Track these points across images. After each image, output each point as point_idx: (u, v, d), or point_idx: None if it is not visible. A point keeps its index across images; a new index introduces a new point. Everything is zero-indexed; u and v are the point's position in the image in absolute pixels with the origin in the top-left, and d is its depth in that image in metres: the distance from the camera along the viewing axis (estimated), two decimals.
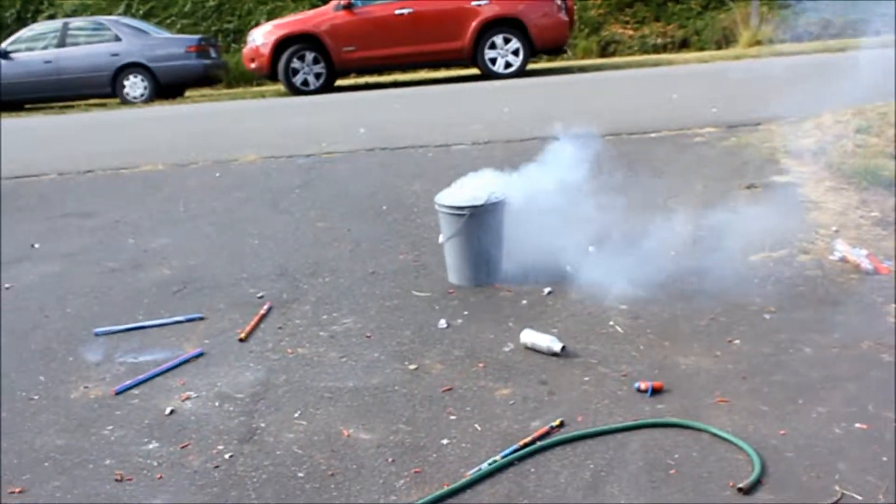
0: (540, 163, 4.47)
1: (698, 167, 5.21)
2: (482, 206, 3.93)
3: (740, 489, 2.31)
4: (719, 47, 18.62)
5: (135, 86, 16.28)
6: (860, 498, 2.26)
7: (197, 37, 17.54)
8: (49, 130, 11.86)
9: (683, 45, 20.02)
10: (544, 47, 14.77)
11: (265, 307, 3.95)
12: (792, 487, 2.32)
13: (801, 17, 19.25)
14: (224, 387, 3.19)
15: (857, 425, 2.62)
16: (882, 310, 3.44)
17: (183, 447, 2.77)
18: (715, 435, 2.61)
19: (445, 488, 2.41)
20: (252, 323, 3.77)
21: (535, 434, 2.67)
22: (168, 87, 16.49)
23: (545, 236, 4.25)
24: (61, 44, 16.68)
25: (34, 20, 21.12)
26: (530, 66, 15.26)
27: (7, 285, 4.60)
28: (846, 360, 3.06)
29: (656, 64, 15.00)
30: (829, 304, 3.54)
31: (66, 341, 3.76)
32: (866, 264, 3.85)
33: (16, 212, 6.18)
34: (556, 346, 3.24)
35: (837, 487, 2.31)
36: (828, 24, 19.14)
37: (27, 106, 17.38)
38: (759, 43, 17.54)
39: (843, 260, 3.96)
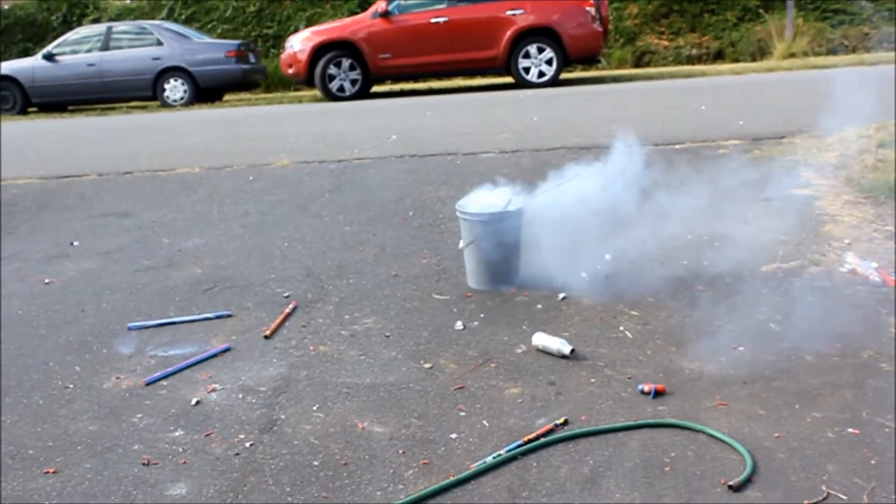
0: (562, 173, 4.58)
1: (718, 178, 5.29)
2: (500, 213, 4.07)
3: (730, 486, 2.43)
4: (754, 59, 18.63)
5: (175, 89, 16.57)
6: (845, 498, 2.37)
7: (236, 42, 17.80)
8: (91, 132, 12.13)
9: (718, 56, 20.03)
10: (578, 57, 14.87)
11: (290, 306, 4.11)
12: (781, 486, 2.44)
13: (837, 30, 19.23)
14: (248, 380, 3.35)
15: (850, 430, 2.72)
16: (885, 321, 3.53)
17: (207, 435, 2.93)
18: (711, 436, 2.73)
19: (451, 478, 2.55)
20: (277, 321, 3.93)
21: (540, 431, 2.81)
22: (207, 90, 16.77)
23: (562, 244, 4.38)
24: (105, 47, 17.00)
25: (79, 24, 21.53)
26: (564, 76, 15.37)
27: (47, 280, 4.80)
28: (845, 368, 3.16)
29: (689, 75, 15.05)
30: (835, 314, 3.63)
31: (101, 334, 3.95)
32: (874, 276, 3.94)
33: (58, 211, 6.39)
34: (566, 349, 3.37)
35: (824, 487, 2.42)
36: (864, 37, 19.08)
37: (70, 107, 17.73)
38: (793, 55, 17.53)
39: (853, 272, 4.06)
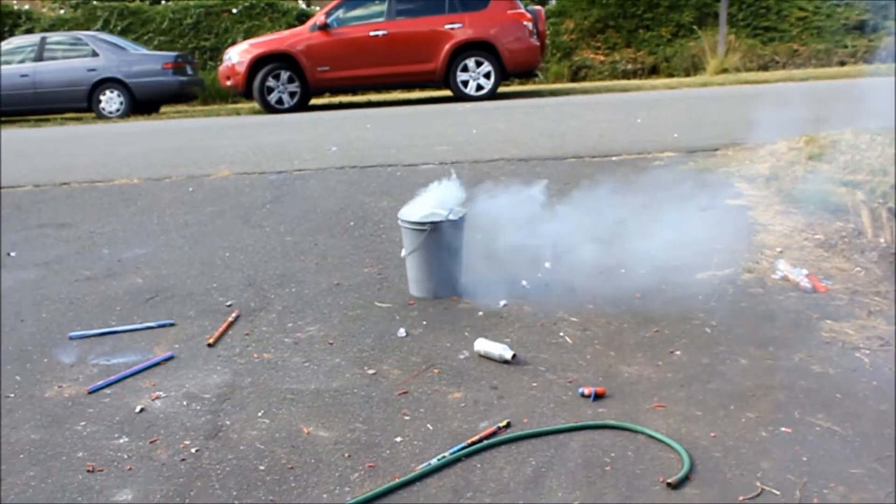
0: (502, 183, 4.66)
1: (654, 190, 5.41)
2: (442, 222, 4.12)
3: (669, 484, 2.50)
4: (688, 74, 18.97)
5: (111, 101, 16.42)
6: (778, 493, 2.45)
7: (174, 54, 17.70)
8: (25, 143, 11.95)
9: (653, 71, 20.40)
10: (516, 71, 15.03)
11: (233, 315, 4.12)
12: (717, 484, 2.51)
13: (767, 46, 19.66)
14: (192, 388, 3.36)
15: (783, 429, 2.81)
16: (816, 325, 3.65)
17: (152, 442, 2.93)
18: (649, 436, 2.80)
19: (396, 480, 2.59)
20: (220, 329, 3.93)
21: (483, 433, 2.85)
22: (144, 102, 16.65)
23: (503, 252, 4.45)
24: (39, 58, 16.81)
25: (12, 34, 21.20)
26: (502, 89, 15.51)
27: None
28: (778, 370, 3.25)
29: (625, 89, 15.29)
30: (768, 319, 3.75)
31: (42, 344, 3.91)
32: (805, 283, 4.06)
33: None
34: (508, 354, 3.43)
35: (758, 484, 2.50)
36: (794, 53, 19.54)
37: (3, 119, 17.45)
38: (725, 71, 17.89)
39: (784, 279, 4.18)
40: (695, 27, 20.57)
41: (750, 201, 5.50)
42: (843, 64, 19.31)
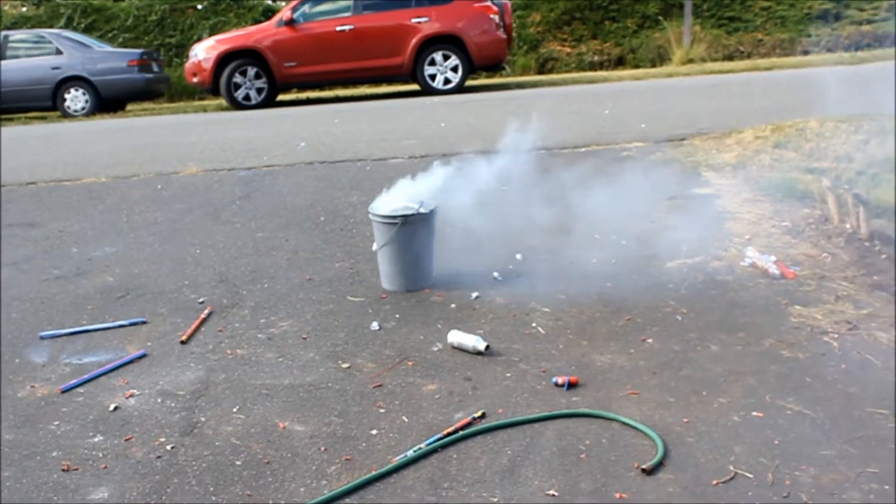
0: (471, 176, 4.67)
1: (623, 180, 5.45)
2: (413, 215, 4.12)
3: (644, 470, 2.53)
4: (654, 65, 19.07)
5: (76, 99, 16.28)
6: (751, 476, 2.48)
7: (139, 51, 17.54)
8: None
9: (619, 62, 20.48)
10: (483, 64, 15.04)
11: (206, 312, 4.11)
12: (691, 468, 2.54)
13: (732, 36, 19.80)
14: (166, 385, 3.35)
15: (754, 413, 2.85)
16: (785, 311, 3.69)
17: (126, 440, 2.92)
18: (623, 423, 2.83)
19: (373, 472, 2.60)
20: (193, 326, 3.92)
21: (458, 424, 2.87)
22: (109, 100, 16.51)
23: (474, 244, 4.47)
24: (1, 56, 16.60)
25: None
26: (469, 83, 15.53)
27: None
28: (749, 356, 3.29)
29: (592, 81, 15.35)
30: (737, 306, 3.79)
31: (12, 344, 3.88)
32: (774, 270, 4.11)
33: None
34: (481, 346, 3.45)
35: (732, 468, 2.53)
36: (759, 43, 19.69)
37: None
38: (691, 61, 18.00)
39: (753, 266, 4.22)
40: (660, 18, 20.67)
41: (718, 190, 5.55)
42: (806, 53, 19.47)
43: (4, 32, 17.84)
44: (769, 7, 21.04)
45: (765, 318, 3.65)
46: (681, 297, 3.93)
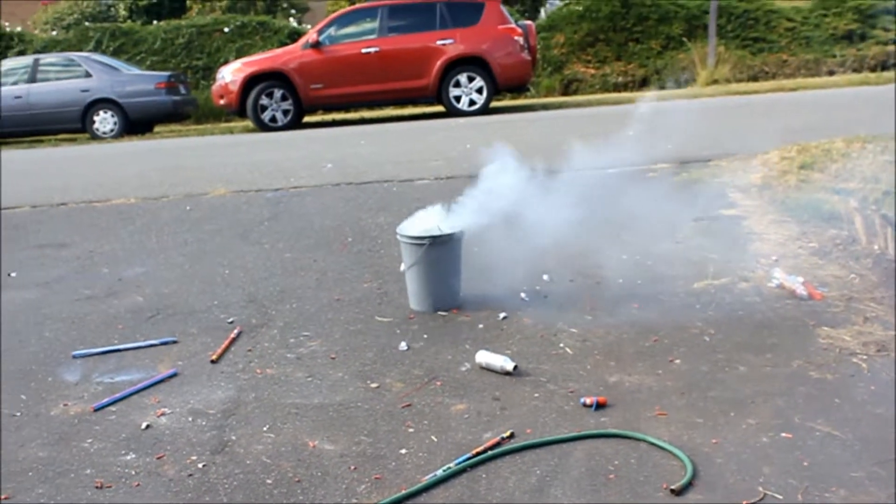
0: (498, 196, 4.69)
1: (648, 200, 5.46)
2: (441, 236, 4.16)
3: (672, 490, 2.53)
4: (678, 86, 19.05)
5: (105, 121, 16.46)
6: (781, 497, 2.48)
7: (167, 73, 17.73)
8: (20, 164, 11.99)
9: (644, 83, 20.48)
10: (507, 85, 15.12)
11: (235, 331, 4.14)
12: (720, 489, 2.54)
13: (757, 57, 19.78)
14: (197, 404, 3.38)
15: (783, 434, 2.84)
16: (813, 332, 3.68)
17: (158, 458, 2.96)
18: (652, 444, 2.83)
19: (403, 492, 2.62)
20: (223, 346, 3.96)
21: (487, 444, 2.88)
22: (137, 122, 16.68)
23: (502, 265, 4.49)
24: (32, 79, 16.84)
25: (4, 56, 21.22)
26: (494, 104, 15.58)
27: None
28: (777, 377, 3.29)
29: (617, 102, 15.34)
30: (765, 327, 3.78)
31: (45, 363, 3.93)
32: (801, 291, 4.10)
33: None
34: (509, 366, 3.46)
35: (761, 489, 2.53)
36: (783, 63, 19.65)
37: None
38: (716, 82, 17.99)
39: (781, 287, 4.22)
40: (684, 39, 20.70)
41: (744, 211, 5.55)
42: (832, 73, 19.44)
43: (35, 56, 18.10)
44: (794, 28, 21.05)
45: (793, 339, 3.64)
46: (708, 317, 3.93)
